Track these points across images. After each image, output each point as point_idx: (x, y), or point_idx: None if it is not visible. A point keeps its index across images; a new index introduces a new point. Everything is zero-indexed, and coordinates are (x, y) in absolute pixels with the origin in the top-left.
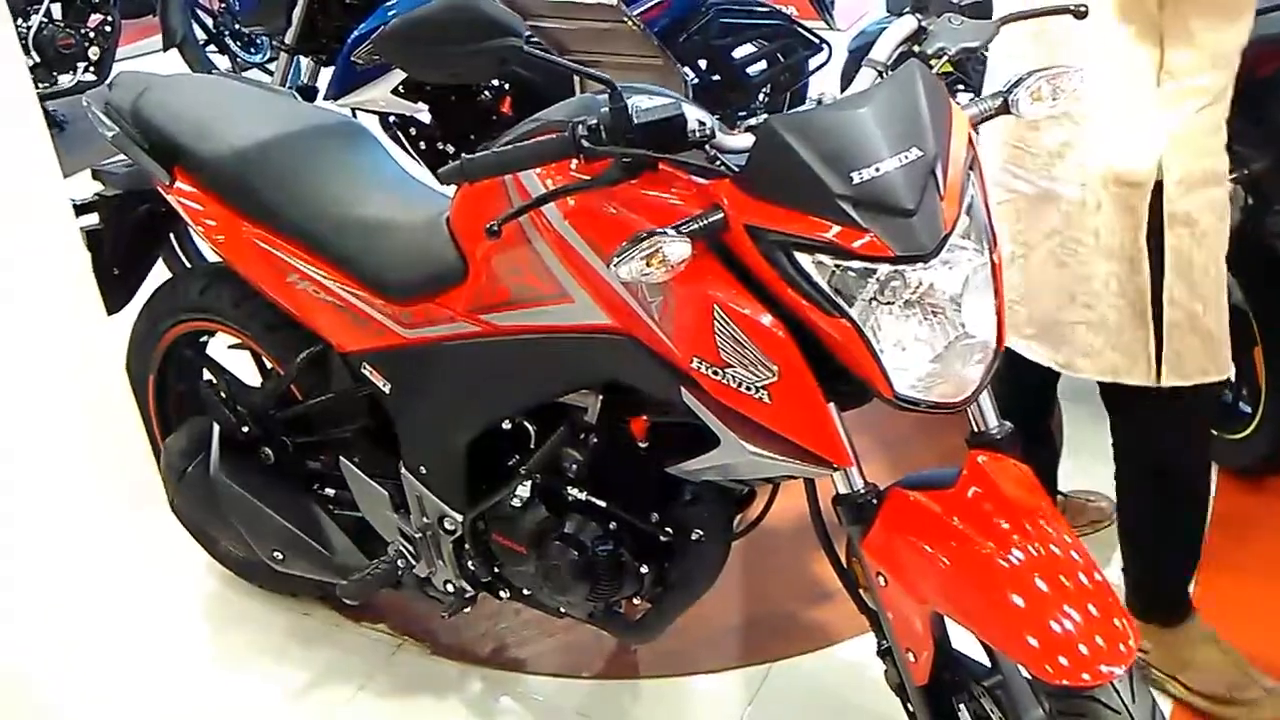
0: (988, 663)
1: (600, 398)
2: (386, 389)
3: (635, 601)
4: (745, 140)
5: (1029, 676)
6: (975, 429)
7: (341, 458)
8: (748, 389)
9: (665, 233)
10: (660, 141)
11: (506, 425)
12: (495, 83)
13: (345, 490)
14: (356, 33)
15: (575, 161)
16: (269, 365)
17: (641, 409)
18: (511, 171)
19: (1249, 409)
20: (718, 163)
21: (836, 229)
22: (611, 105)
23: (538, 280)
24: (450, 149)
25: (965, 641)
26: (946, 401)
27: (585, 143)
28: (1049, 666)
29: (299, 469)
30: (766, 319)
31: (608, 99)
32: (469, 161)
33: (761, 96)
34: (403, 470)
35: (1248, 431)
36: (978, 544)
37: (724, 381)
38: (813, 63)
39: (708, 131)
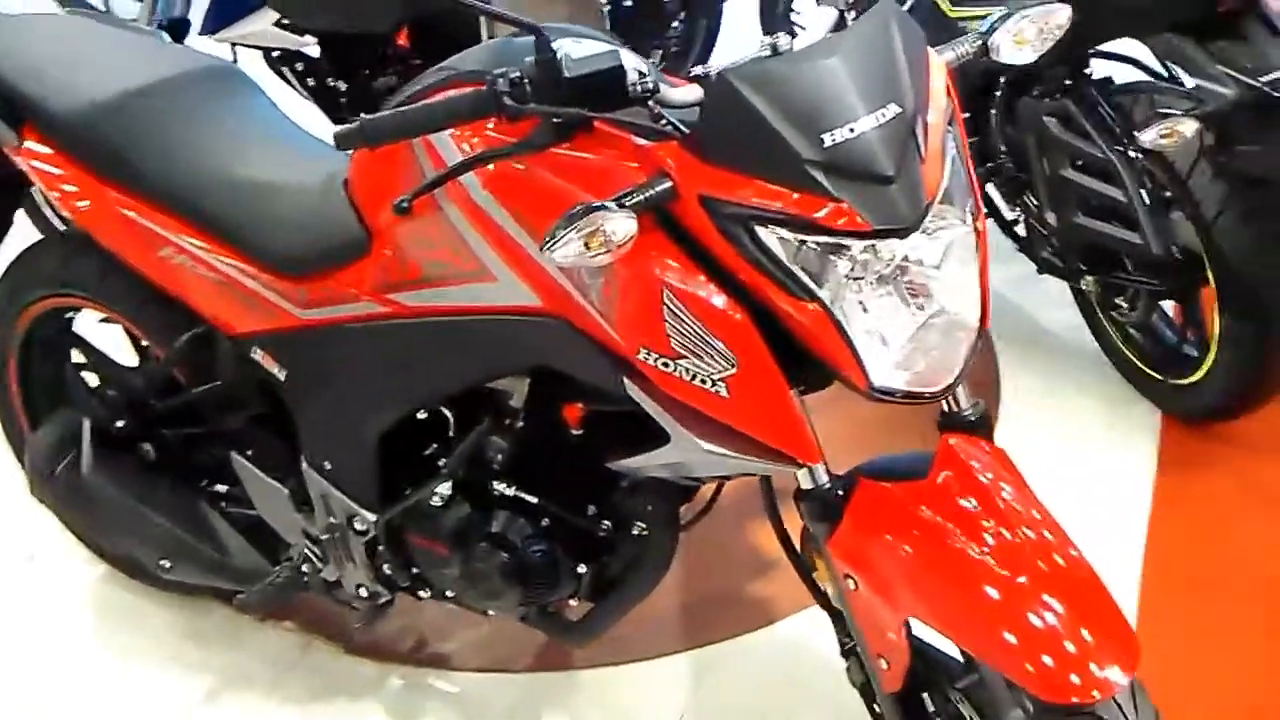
0: (960, 658)
1: (528, 382)
2: (282, 376)
3: (573, 602)
4: (692, 94)
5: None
6: (947, 409)
7: (233, 452)
8: (702, 382)
9: (606, 206)
10: (596, 97)
11: (422, 415)
12: None
13: (239, 487)
14: None
15: (493, 121)
16: (146, 345)
17: (575, 395)
18: (419, 134)
19: (1195, 352)
20: (663, 121)
21: (807, 199)
22: (538, 55)
23: (454, 256)
24: (342, 86)
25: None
26: (926, 390)
27: (508, 100)
28: (1048, 686)
29: (185, 465)
30: (724, 303)
31: (533, 47)
32: (369, 123)
33: (675, 24)
34: (304, 466)
35: (1196, 377)
36: (959, 544)
37: (675, 374)
38: None
39: (650, 85)
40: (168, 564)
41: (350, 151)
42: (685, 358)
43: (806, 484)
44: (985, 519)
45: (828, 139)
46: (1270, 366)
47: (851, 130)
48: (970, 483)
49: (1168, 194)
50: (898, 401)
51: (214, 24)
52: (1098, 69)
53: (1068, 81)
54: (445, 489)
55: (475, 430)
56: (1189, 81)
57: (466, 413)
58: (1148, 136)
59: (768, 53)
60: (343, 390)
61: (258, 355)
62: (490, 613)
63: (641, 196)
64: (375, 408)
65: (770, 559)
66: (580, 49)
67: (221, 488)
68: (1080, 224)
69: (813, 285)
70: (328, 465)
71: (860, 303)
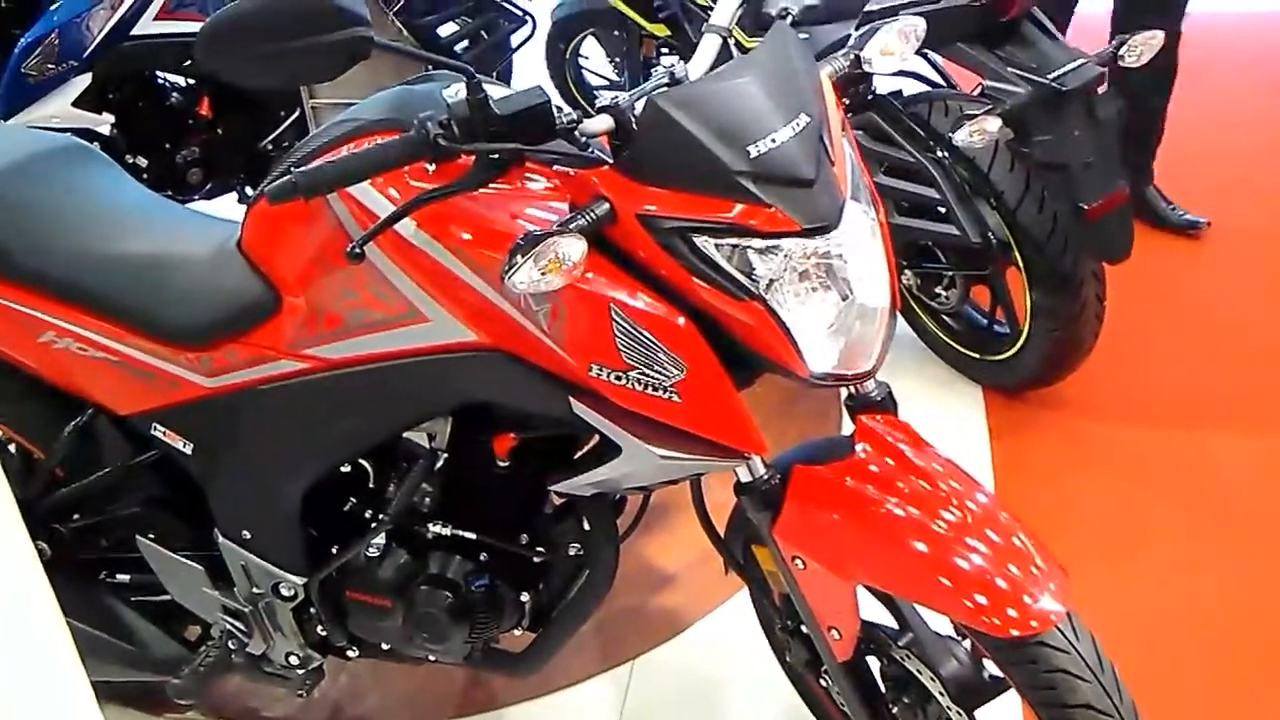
0: (895, 623)
1: (450, 422)
2: (188, 450)
3: (516, 633)
4: (604, 123)
5: (967, 628)
6: (854, 392)
7: (137, 536)
8: (655, 390)
9: (555, 231)
10: (526, 132)
11: (345, 468)
12: (184, 83)
13: (143, 573)
14: (24, 41)
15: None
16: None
17: (500, 427)
18: (355, 182)
19: (1006, 330)
20: (590, 150)
21: (740, 208)
22: (470, 96)
23: (379, 302)
24: (143, 162)
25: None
26: (855, 371)
27: (441, 141)
28: (997, 620)
29: (82, 559)
30: (668, 313)
31: (433, 93)
32: (303, 175)
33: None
34: (219, 538)
35: (1012, 352)
36: (888, 508)
37: (627, 386)
38: (516, 37)
39: (574, 117)
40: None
41: (218, 212)
42: (635, 369)
43: (746, 477)
44: (906, 482)
45: (753, 150)
46: (1079, 332)
47: (773, 141)
48: (888, 453)
49: (971, 188)
50: (831, 385)
51: (6, 107)
52: (884, 85)
53: (870, 97)
54: (379, 540)
55: (407, 476)
56: (962, 85)
57: (386, 460)
58: (960, 136)
59: (667, 80)
60: (260, 455)
61: (158, 432)
62: (432, 659)
63: (583, 220)
64: (296, 468)
65: (669, 572)
66: (497, 91)
67: (124, 577)
68: (898, 224)
69: (750, 285)
70: (246, 534)
71: (791, 298)
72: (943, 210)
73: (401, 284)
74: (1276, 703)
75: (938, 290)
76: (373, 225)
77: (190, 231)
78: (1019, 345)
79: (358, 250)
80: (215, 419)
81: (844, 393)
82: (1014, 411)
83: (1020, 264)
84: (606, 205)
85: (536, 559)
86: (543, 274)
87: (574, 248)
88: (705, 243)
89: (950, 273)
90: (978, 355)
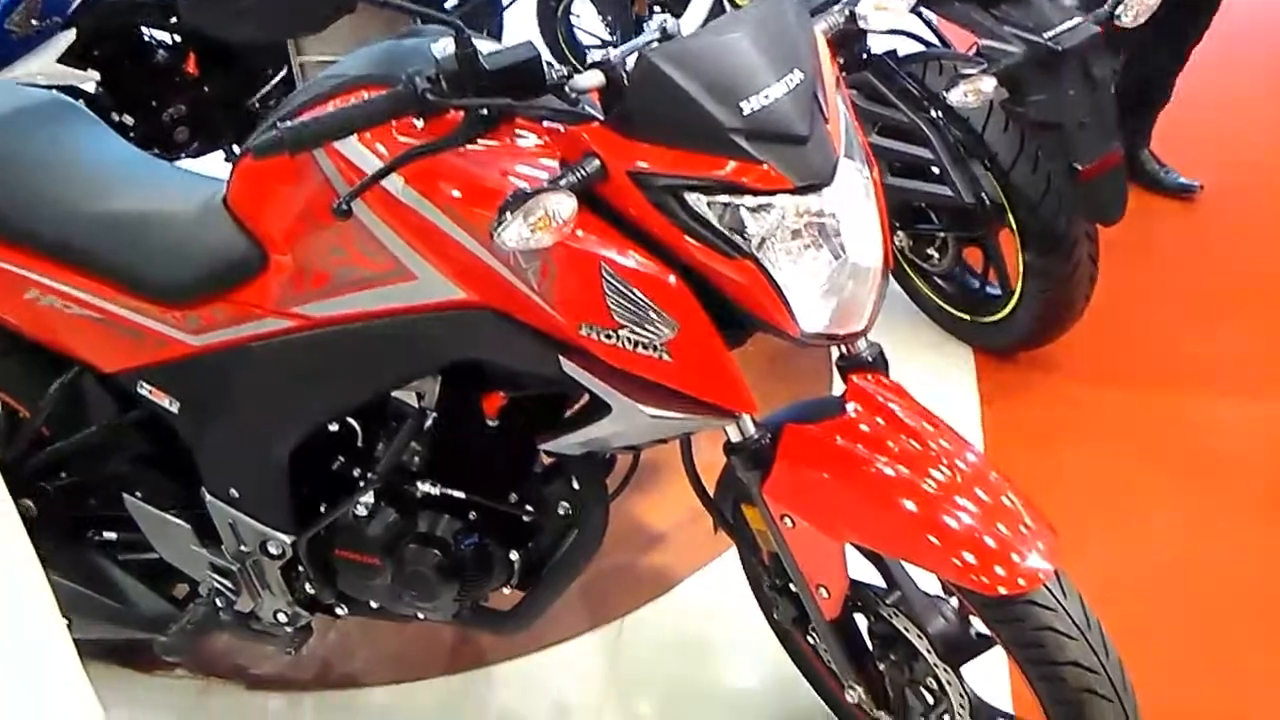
0: (883, 581)
1: (439, 380)
2: (174, 408)
3: (505, 591)
4: (595, 79)
5: (955, 586)
6: (845, 352)
7: (124, 495)
8: (645, 349)
9: (546, 188)
10: (516, 87)
11: (333, 427)
12: (170, 40)
13: (131, 531)
14: None
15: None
16: (3, 404)
17: (489, 385)
18: (342, 136)
19: (998, 292)
20: (580, 106)
21: (733, 165)
22: (459, 50)
23: (367, 259)
24: (129, 120)
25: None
26: (847, 331)
27: (430, 96)
28: (985, 579)
29: (70, 517)
30: (660, 271)
31: (421, 48)
32: (288, 129)
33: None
34: (207, 497)
35: (1004, 313)
36: (878, 467)
37: (618, 345)
38: None
39: (564, 72)
40: (68, 623)
41: (204, 170)
42: (626, 328)
43: (736, 436)
44: (895, 441)
45: (746, 107)
46: (1071, 293)
47: (766, 97)
48: (879, 412)
49: (965, 149)
50: (822, 344)
51: None
52: (879, 45)
53: (865, 57)
54: (368, 498)
55: (396, 435)
56: (958, 44)
57: (375, 420)
58: (954, 96)
59: (658, 35)
60: (247, 413)
61: (144, 390)
62: (421, 617)
63: (574, 177)
64: (284, 426)
65: (656, 530)
66: (486, 45)
67: (112, 535)
68: (892, 184)
69: (743, 244)
70: (234, 492)
71: (783, 256)
72: (936, 171)
73: (389, 241)
74: (1259, 661)
75: (930, 252)
76: (360, 181)
77: (176, 188)
78: (1011, 307)
79: (344, 206)
80: (202, 377)
81: (835, 352)
82: (1004, 374)
83: (1013, 225)
84: (597, 162)
85: (526, 518)
86: (532, 231)
87: (564, 205)
88: (697, 200)
89: (942, 234)
90: (969, 317)
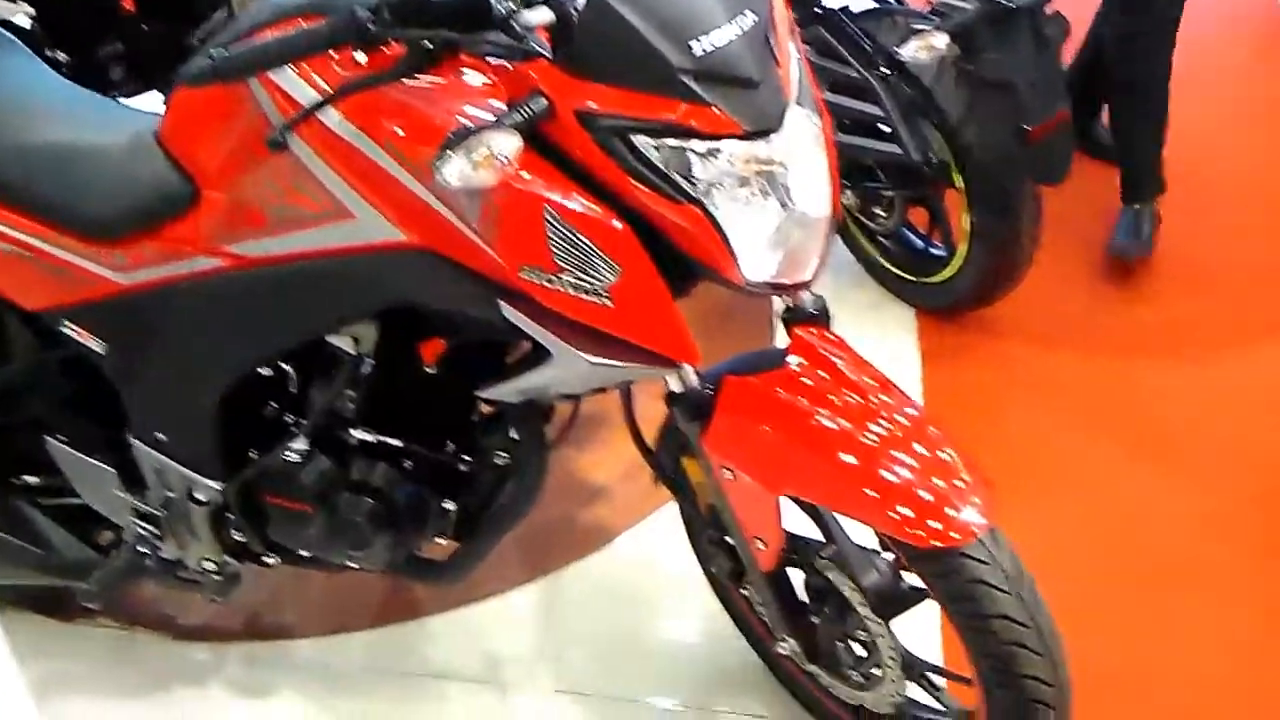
0: (821, 536)
1: (376, 325)
2: (101, 349)
3: (441, 541)
4: (543, 15)
5: (890, 539)
6: (789, 304)
7: (47, 437)
8: (588, 294)
9: (490, 125)
10: (462, 21)
11: (265, 371)
12: None
13: (54, 475)
14: None
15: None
16: None
17: (427, 332)
18: (277, 65)
19: (942, 253)
20: (528, 42)
21: (681, 107)
22: None
23: (303, 197)
24: (63, 57)
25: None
26: (793, 281)
27: (371, 26)
28: (921, 532)
29: None
30: (604, 214)
31: None
32: (224, 58)
33: None
34: (133, 441)
35: (947, 274)
36: (818, 420)
37: (559, 289)
38: None
39: (512, 7)
40: None
41: (139, 105)
42: (568, 272)
43: (677, 387)
44: (836, 394)
45: (696, 47)
46: (1015, 255)
47: (718, 38)
48: (821, 364)
49: (915, 107)
50: (767, 294)
51: None
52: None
53: (817, 11)
54: (300, 445)
55: (331, 381)
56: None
57: (309, 364)
58: (907, 51)
59: None
60: (176, 355)
61: (69, 329)
62: (354, 566)
63: (520, 115)
64: (214, 370)
65: (595, 483)
66: None
67: (34, 479)
68: (841, 141)
69: (689, 189)
70: (162, 437)
71: (729, 203)
72: (886, 129)
73: (326, 178)
74: (1190, 621)
75: (876, 211)
76: (296, 112)
77: (108, 121)
78: (954, 268)
79: (279, 138)
80: (129, 317)
81: (778, 305)
82: (946, 335)
83: (960, 185)
84: (544, 101)
85: (463, 467)
86: (475, 169)
87: (508, 143)
88: (644, 143)
89: (889, 193)
90: (913, 278)
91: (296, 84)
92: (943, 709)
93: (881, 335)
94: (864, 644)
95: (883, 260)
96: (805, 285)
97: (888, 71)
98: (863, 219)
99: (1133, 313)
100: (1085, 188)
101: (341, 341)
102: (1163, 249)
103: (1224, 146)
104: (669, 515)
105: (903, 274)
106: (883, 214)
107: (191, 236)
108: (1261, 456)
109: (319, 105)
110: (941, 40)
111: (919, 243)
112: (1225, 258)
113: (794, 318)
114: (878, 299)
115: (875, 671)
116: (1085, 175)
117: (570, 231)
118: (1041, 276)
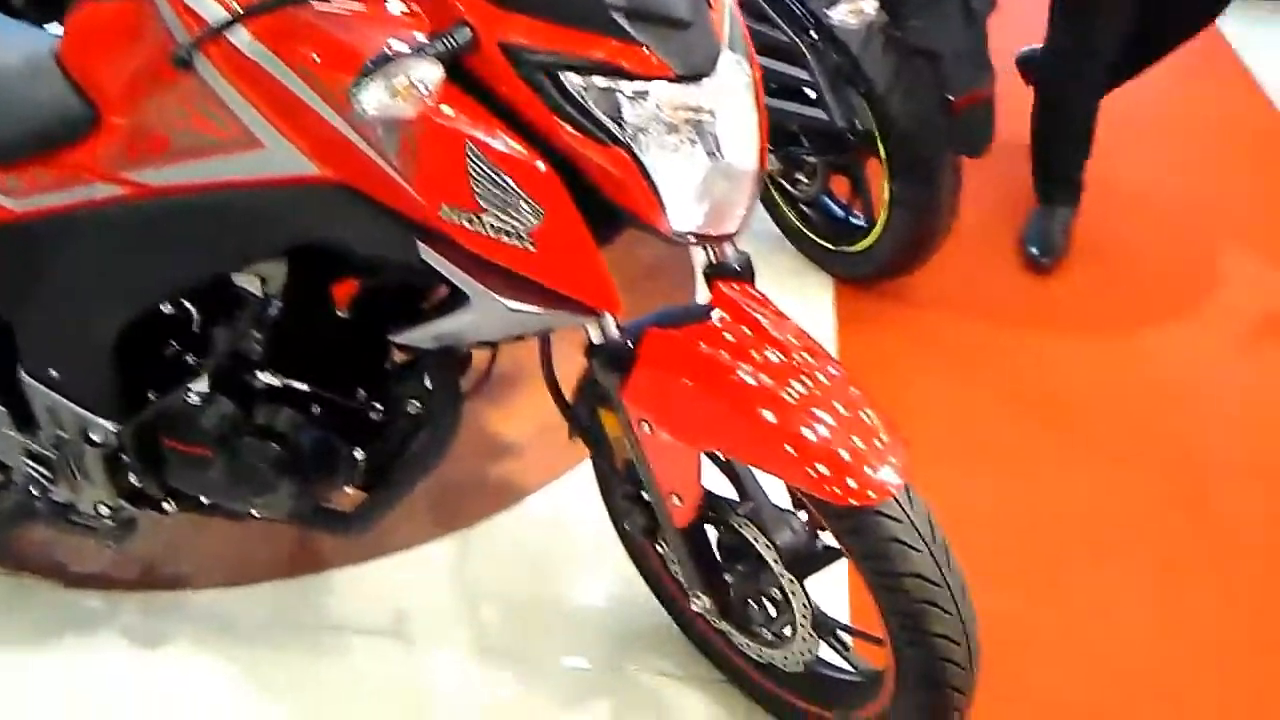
0: (736, 494)
1: (285, 264)
2: None
3: (349, 491)
4: None
5: (807, 496)
6: (714, 260)
7: None
8: (509, 237)
9: (409, 53)
10: None
11: (165, 308)
12: None
13: None
14: None
15: None
16: None
17: (340, 272)
18: None
19: (861, 222)
20: None
21: (612, 44)
22: None
23: (211, 124)
24: None
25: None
26: (719, 232)
27: None
28: (837, 489)
29: None
30: (530, 157)
31: None
32: None
33: None
34: (24, 377)
35: (866, 243)
36: (739, 375)
37: (480, 230)
38: None
39: None
40: None
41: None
42: (489, 213)
43: (597, 338)
44: (758, 351)
45: None
46: (934, 225)
47: None
48: (744, 320)
49: (842, 74)
50: (692, 244)
51: None
52: None
53: None
54: (202, 386)
55: (235, 321)
56: None
57: (213, 303)
58: (836, 14)
59: None
60: (71, 288)
61: None
62: (256, 515)
63: (442, 45)
64: (112, 305)
65: (509, 439)
66: None
67: None
68: (768, 104)
69: (617, 132)
70: (54, 374)
71: (657, 149)
72: (812, 94)
73: (235, 104)
74: (1095, 584)
75: (799, 177)
76: (203, 29)
77: (3, 42)
78: (873, 237)
79: (185, 55)
80: (22, 246)
81: (702, 259)
82: (863, 302)
83: (882, 153)
84: (468, 32)
85: (374, 415)
86: (393, 98)
87: (429, 73)
88: (572, 81)
89: (812, 159)
90: (832, 246)
91: (204, 1)
92: (851, 668)
93: (800, 300)
94: (776, 602)
95: (802, 227)
96: (729, 237)
97: (815, 37)
98: (785, 184)
99: (1045, 288)
100: (1005, 164)
101: (248, 280)
102: (1078, 228)
103: (1146, 133)
104: (582, 475)
105: (822, 241)
106: (805, 180)
107: (90, 162)
108: (1163, 428)
109: (228, 24)
110: (870, 5)
111: (839, 211)
112: (1139, 239)
113: (717, 272)
114: (798, 265)
115: (786, 630)
116: (1005, 151)
117: (493, 171)
118: (959, 249)
